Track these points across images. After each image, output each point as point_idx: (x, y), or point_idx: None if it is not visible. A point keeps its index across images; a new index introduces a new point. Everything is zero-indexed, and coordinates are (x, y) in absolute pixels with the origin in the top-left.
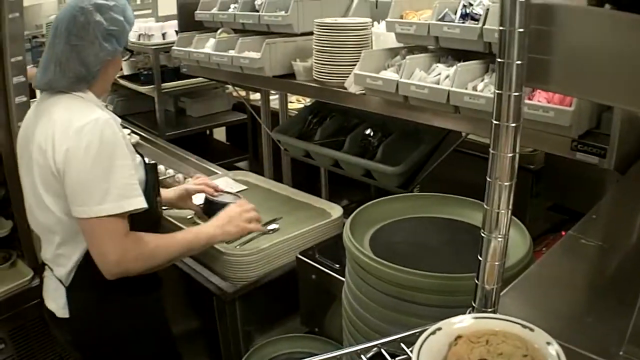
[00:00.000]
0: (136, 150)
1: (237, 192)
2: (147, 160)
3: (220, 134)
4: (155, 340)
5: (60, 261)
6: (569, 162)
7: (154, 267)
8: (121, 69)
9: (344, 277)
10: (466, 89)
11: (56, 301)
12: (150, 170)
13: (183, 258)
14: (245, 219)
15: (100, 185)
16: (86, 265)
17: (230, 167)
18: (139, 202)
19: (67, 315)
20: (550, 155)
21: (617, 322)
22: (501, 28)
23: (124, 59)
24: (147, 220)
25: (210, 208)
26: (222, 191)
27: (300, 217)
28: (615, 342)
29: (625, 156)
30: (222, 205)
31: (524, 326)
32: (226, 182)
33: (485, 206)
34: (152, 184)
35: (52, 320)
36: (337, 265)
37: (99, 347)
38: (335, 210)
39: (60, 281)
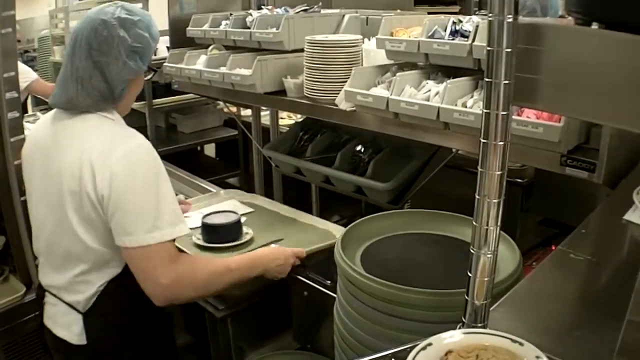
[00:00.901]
0: None
1: (243, 214)
2: None
3: (210, 150)
4: None
5: (79, 288)
6: (559, 177)
7: (206, 295)
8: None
9: (335, 293)
10: (456, 105)
11: (69, 328)
12: None
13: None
14: (285, 271)
15: (150, 213)
16: (107, 292)
17: (221, 183)
18: (185, 228)
19: (84, 342)
20: (540, 170)
21: (606, 335)
22: (489, 48)
23: (146, 78)
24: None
25: (210, 231)
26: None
27: (305, 239)
28: (604, 355)
29: (614, 171)
30: (223, 226)
31: (513, 340)
32: (234, 204)
33: (474, 223)
34: None
35: (62, 347)
36: (329, 282)
37: None
38: (328, 228)
39: (74, 307)
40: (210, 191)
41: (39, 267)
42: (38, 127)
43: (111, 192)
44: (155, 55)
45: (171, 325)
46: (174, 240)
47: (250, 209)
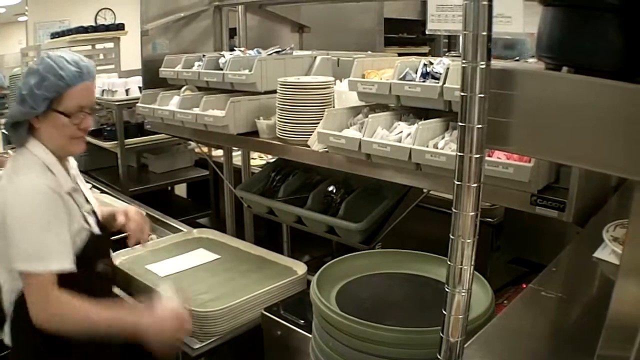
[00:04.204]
0: (95, 216)
1: (211, 261)
2: (96, 230)
3: (181, 189)
4: None
5: (5, 290)
6: (529, 216)
7: (67, 332)
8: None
9: (308, 332)
10: (427, 146)
11: (4, 328)
12: (95, 240)
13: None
14: (174, 337)
15: (24, 246)
16: (21, 302)
17: (192, 223)
18: (61, 265)
19: (10, 344)
20: (509, 209)
21: None
22: (462, 94)
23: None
24: (83, 282)
25: None
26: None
27: (266, 274)
28: None
29: (583, 209)
30: None
31: None
32: (203, 253)
33: (448, 262)
34: (92, 252)
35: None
36: (302, 321)
37: None
38: (300, 268)
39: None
40: (182, 230)
41: None
42: None
43: (1, 218)
44: (127, 94)
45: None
46: (47, 273)
47: (217, 256)
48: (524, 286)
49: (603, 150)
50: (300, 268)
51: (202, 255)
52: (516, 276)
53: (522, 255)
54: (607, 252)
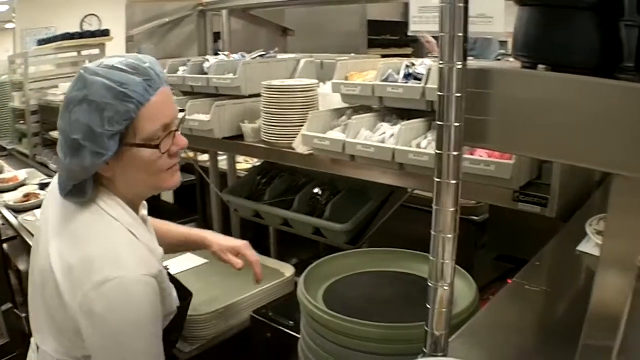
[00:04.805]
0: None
1: (200, 265)
2: (177, 303)
3: (167, 195)
4: None
5: None
6: (513, 213)
7: None
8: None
9: (298, 333)
10: (410, 146)
11: None
12: (175, 316)
13: None
14: None
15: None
16: None
17: None
18: None
19: None
20: (494, 207)
21: None
22: (440, 93)
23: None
24: None
25: None
26: None
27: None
28: None
29: (566, 204)
30: None
31: None
32: (189, 258)
33: (431, 257)
34: (174, 334)
35: None
36: (291, 323)
37: None
38: (288, 270)
39: None
40: None
41: None
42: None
43: (80, 317)
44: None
45: None
46: None
47: (205, 260)
48: (509, 281)
49: (580, 144)
50: (288, 270)
51: (191, 260)
52: (502, 273)
53: (507, 252)
54: (591, 246)
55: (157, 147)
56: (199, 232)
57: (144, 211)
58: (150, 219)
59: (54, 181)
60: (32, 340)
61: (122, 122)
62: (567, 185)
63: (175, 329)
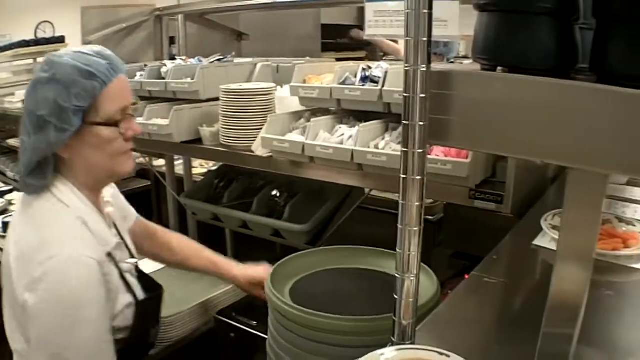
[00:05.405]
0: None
1: (160, 269)
2: (141, 296)
3: None
4: None
5: None
6: (468, 211)
7: None
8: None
9: (261, 332)
10: (369, 147)
11: None
12: (142, 309)
13: None
14: None
15: (52, 349)
16: None
17: None
18: None
19: None
20: (449, 205)
21: (524, 347)
22: (405, 94)
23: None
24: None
25: None
26: None
27: (216, 279)
28: None
29: (521, 201)
30: None
31: (440, 353)
32: (150, 262)
33: (397, 250)
34: (141, 326)
35: None
36: (255, 322)
37: None
38: None
39: None
40: None
41: None
42: None
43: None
44: None
45: None
46: None
47: (162, 265)
48: (467, 277)
49: (538, 140)
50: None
51: (150, 264)
52: (459, 270)
53: (463, 249)
54: (547, 240)
55: (116, 125)
56: (224, 264)
57: (108, 207)
58: (180, 237)
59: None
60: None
61: (87, 99)
62: (521, 182)
63: (151, 319)
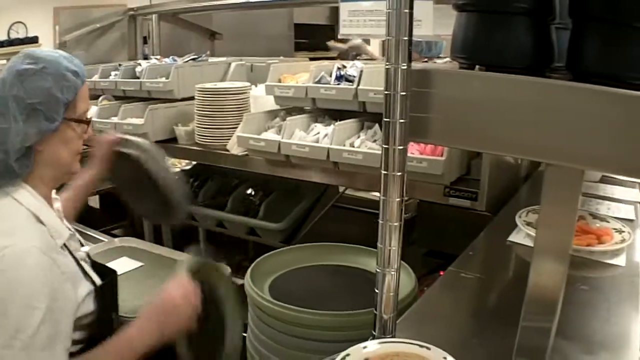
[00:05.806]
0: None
1: (135, 269)
2: (97, 281)
3: (94, 201)
4: None
5: None
6: (441, 209)
7: None
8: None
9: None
10: (344, 145)
11: None
12: (101, 295)
13: None
14: (184, 316)
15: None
16: None
17: (108, 234)
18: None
19: None
20: (422, 203)
21: (503, 340)
22: (386, 92)
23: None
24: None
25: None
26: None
27: None
28: (505, 356)
29: (495, 198)
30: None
31: (421, 346)
32: (126, 262)
33: (379, 244)
34: (104, 313)
35: None
36: None
37: None
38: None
39: None
40: (103, 240)
41: None
42: None
43: None
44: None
45: None
46: None
47: (140, 263)
48: (442, 273)
49: (516, 137)
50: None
51: (126, 264)
52: (433, 267)
53: (436, 247)
54: (522, 236)
55: (87, 122)
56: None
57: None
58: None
59: None
60: None
61: (72, 94)
62: (495, 180)
63: (111, 303)
